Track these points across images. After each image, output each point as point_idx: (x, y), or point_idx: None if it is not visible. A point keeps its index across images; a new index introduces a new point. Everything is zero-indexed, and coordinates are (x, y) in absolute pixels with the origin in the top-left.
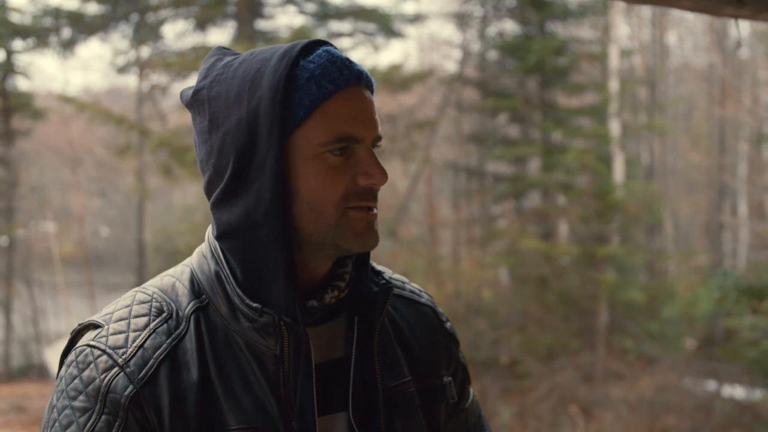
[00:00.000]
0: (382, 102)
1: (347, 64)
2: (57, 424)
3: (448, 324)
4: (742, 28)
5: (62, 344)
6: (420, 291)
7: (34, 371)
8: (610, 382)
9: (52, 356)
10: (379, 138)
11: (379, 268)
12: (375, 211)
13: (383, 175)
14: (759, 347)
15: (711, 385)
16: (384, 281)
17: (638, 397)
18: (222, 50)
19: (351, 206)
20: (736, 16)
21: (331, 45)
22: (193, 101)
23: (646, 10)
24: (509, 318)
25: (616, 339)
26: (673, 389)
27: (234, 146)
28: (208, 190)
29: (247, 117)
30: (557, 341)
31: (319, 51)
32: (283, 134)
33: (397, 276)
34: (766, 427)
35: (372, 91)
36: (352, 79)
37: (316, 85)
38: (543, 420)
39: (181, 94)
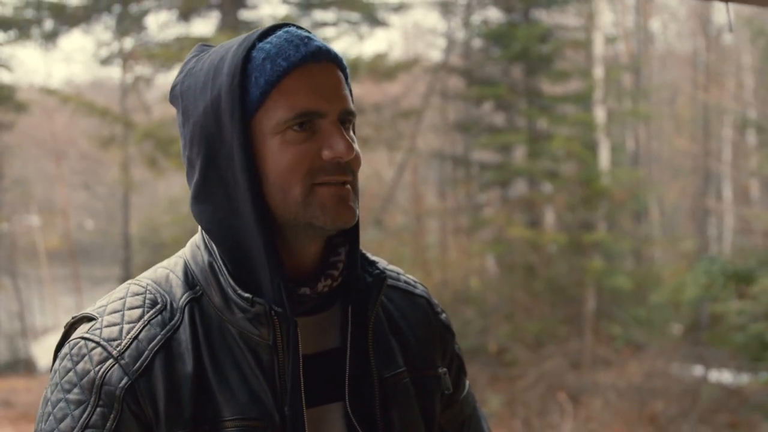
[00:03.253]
0: (366, 91)
1: (305, 41)
2: (52, 417)
3: (444, 315)
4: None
5: (49, 338)
6: (415, 282)
7: (21, 366)
8: (598, 369)
9: (38, 351)
10: (348, 113)
11: (374, 258)
12: (347, 186)
13: (348, 148)
14: (745, 332)
15: (698, 370)
16: (378, 271)
17: (626, 384)
18: (202, 47)
19: (318, 182)
20: (726, 0)
21: (295, 26)
22: (171, 97)
23: None
24: (497, 306)
25: (603, 326)
26: (661, 375)
27: (203, 135)
28: (189, 184)
29: (211, 104)
30: (545, 329)
31: (279, 32)
32: (244, 117)
33: (392, 267)
34: (752, 411)
35: (343, 69)
36: (309, 56)
37: (270, 64)
38: (532, 407)
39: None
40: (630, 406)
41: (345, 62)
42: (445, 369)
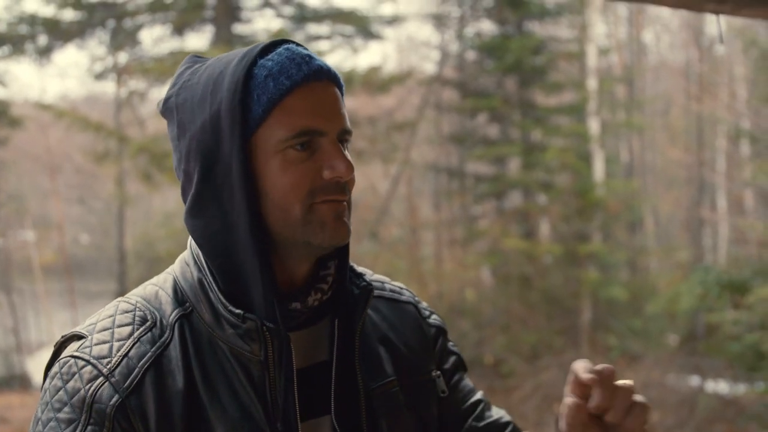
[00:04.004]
0: (361, 104)
1: (306, 60)
2: None
3: (433, 317)
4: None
5: (45, 354)
6: (401, 289)
7: (16, 381)
8: None
9: (34, 366)
10: (346, 132)
11: (360, 269)
12: (345, 204)
13: (348, 168)
14: (741, 342)
15: (694, 380)
16: (365, 283)
17: None
18: (194, 58)
19: (317, 201)
20: (717, 12)
21: (295, 43)
22: (164, 110)
23: (622, 8)
24: (493, 318)
25: (599, 336)
26: (657, 385)
27: (200, 150)
28: (183, 198)
29: (210, 119)
30: (541, 340)
31: (280, 49)
32: (244, 134)
33: (377, 276)
34: (749, 421)
35: (340, 87)
36: (311, 75)
37: (273, 82)
38: (528, 419)
39: (158, 103)
40: None
41: (342, 80)
42: (438, 372)
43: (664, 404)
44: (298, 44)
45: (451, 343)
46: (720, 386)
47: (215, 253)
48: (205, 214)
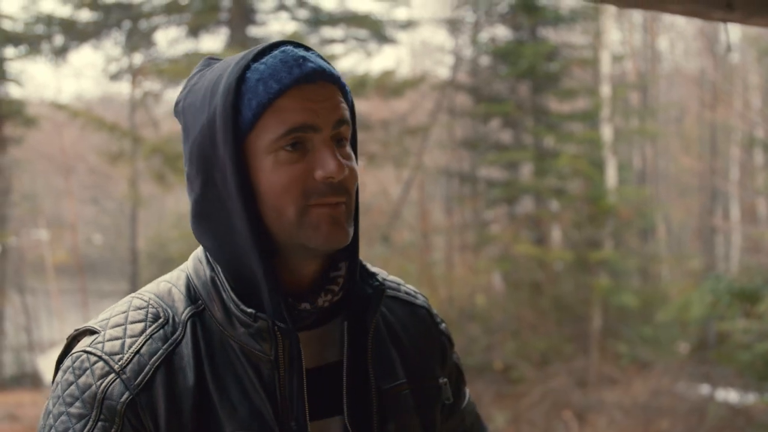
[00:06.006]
0: (374, 108)
1: (299, 62)
2: (53, 430)
3: (443, 325)
4: (733, 33)
5: (56, 352)
6: (416, 293)
7: (27, 380)
8: (604, 387)
9: (45, 364)
10: (341, 122)
11: (373, 270)
12: (342, 206)
13: (339, 168)
14: (752, 351)
15: (704, 388)
16: (377, 283)
17: (632, 402)
18: (209, 61)
19: (311, 204)
20: (725, 20)
21: (293, 44)
22: (176, 113)
23: (637, 16)
24: (503, 323)
25: (609, 343)
26: (667, 393)
27: (200, 154)
28: (189, 201)
29: (207, 124)
30: (551, 346)
31: (275, 51)
32: (237, 138)
33: (392, 278)
34: (759, 431)
35: (340, 86)
36: (302, 77)
37: (263, 86)
38: (537, 425)
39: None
40: (635, 425)
41: (343, 79)
42: (445, 379)
43: (673, 412)
44: (298, 45)
45: (455, 355)
46: (730, 395)
47: (222, 255)
48: (210, 218)
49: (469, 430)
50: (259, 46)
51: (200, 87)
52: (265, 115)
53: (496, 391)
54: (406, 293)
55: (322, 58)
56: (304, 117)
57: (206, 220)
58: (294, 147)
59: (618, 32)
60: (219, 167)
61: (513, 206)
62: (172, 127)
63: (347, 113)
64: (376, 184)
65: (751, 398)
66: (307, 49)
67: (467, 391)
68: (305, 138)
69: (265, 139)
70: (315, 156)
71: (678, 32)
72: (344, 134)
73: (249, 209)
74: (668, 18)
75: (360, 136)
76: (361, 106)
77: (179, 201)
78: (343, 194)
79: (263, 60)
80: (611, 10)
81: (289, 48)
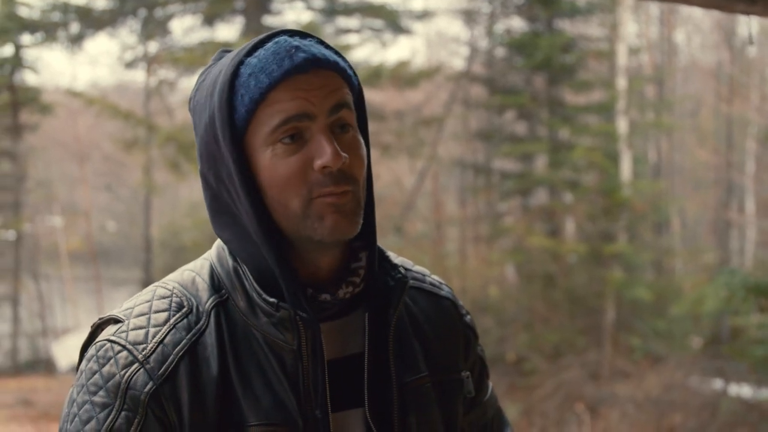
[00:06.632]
0: (389, 98)
1: (291, 53)
2: (77, 418)
3: (468, 317)
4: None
5: (69, 339)
6: (440, 284)
7: (41, 365)
8: (617, 380)
9: (59, 351)
10: (340, 105)
11: (397, 260)
12: (348, 194)
13: (335, 155)
14: (766, 346)
15: (717, 383)
16: (400, 275)
17: (645, 396)
18: (221, 53)
19: (315, 196)
20: (747, 13)
21: (290, 33)
22: (189, 111)
23: (653, 8)
24: (516, 315)
25: (622, 337)
26: (680, 387)
27: (207, 152)
28: (204, 198)
29: (209, 122)
30: (564, 339)
31: (269, 44)
32: (235, 135)
33: (417, 268)
34: None
35: (339, 71)
36: (292, 69)
37: (254, 81)
38: (549, 417)
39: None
40: (648, 419)
41: (344, 63)
42: (467, 372)
43: (686, 407)
44: (295, 33)
45: (480, 348)
46: (743, 390)
47: (242, 248)
48: (225, 213)
49: (490, 424)
50: (255, 39)
51: (206, 85)
52: (258, 109)
53: (509, 383)
54: (431, 284)
55: (323, 43)
56: (296, 106)
57: (222, 215)
58: (292, 139)
59: (634, 24)
60: (224, 165)
61: (527, 198)
62: (187, 115)
63: (348, 97)
64: (390, 174)
65: (764, 393)
66: (304, 36)
67: (490, 384)
68: (302, 128)
69: (261, 134)
70: (313, 145)
71: (695, 25)
72: (346, 119)
73: (255, 205)
74: (685, 10)
75: (374, 126)
76: (376, 96)
77: (193, 189)
78: (348, 182)
79: (256, 53)
80: (628, 1)
81: (283, 38)
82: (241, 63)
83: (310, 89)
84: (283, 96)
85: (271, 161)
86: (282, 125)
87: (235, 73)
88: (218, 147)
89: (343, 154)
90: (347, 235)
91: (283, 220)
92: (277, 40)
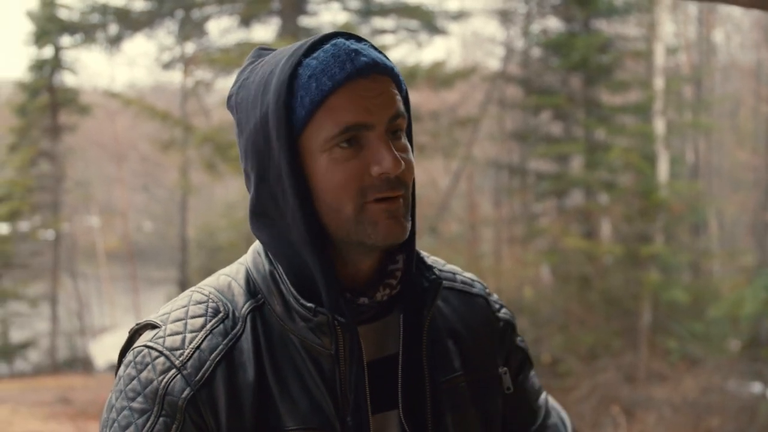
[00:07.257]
0: (424, 99)
1: (352, 56)
2: (116, 424)
3: (503, 311)
4: None
5: (107, 337)
6: (473, 281)
7: (79, 364)
8: (653, 383)
9: (96, 349)
10: (397, 116)
11: (431, 261)
12: (399, 200)
13: (395, 162)
14: None
15: (756, 386)
16: (434, 276)
17: (681, 399)
18: (259, 51)
19: (369, 200)
20: None
21: (346, 36)
22: (228, 107)
23: (692, 7)
24: (551, 316)
25: (659, 339)
26: (717, 391)
27: (254, 151)
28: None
29: (260, 121)
30: (599, 341)
31: (327, 45)
32: (291, 136)
33: (449, 267)
34: None
35: (394, 77)
36: (354, 73)
37: (315, 83)
38: (585, 420)
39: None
40: (685, 422)
41: (397, 70)
42: (505, 368)
43: (724, 410)
44: (350, 36)
45: (519, 338)
46: None
47: (280, 251)
48: (265, 214)
49: (538, 411)
50: (311, 39)
51: (252, 82)
52: (318, 113)
53: (544, 384)
54: (463, 282)
55: (375, 48)
56: (358, 116)
57: (262, 216)
58: (349, 143)
59: (672, 24)
60: (273, 165)
61: (562, 199)
62: (223, 116)
63: (401, 105)
64: (425, 175)
65: None
66: (359, 39)
67: (533, 373)
68: (360, 134)
69: (319, 138)
70: (371, 152)
71: (734, 24)
72: (400, 126)
73: (305, 207)
74: (724, 10)
75: None
76: (411, 97)
77: (229, 190)
78: (401, 188)
79: (315, 55)
80: (666, 1)
81: (341, 41)
82: (299, 63)
83: (369, 96)
84: (344, 102)
85: (328, 166)
86: (342, 133)
87: (293, 74)
88: (269, 147)
89: (402, 162)
90: (399, 240)
91: (333, 224)
92: (335, 42)
